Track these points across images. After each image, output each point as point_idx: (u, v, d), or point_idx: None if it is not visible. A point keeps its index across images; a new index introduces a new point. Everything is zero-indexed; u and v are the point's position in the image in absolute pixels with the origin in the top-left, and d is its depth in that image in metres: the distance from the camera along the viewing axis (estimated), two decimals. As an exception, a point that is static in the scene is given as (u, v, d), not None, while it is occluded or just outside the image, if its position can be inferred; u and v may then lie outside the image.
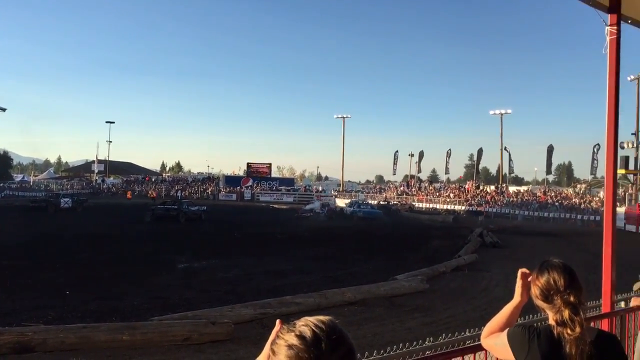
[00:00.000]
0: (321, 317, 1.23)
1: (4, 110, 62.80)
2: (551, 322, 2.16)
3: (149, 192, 68.79)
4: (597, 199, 51.15)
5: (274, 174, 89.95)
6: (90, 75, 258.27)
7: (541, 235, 32.65)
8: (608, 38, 3.55)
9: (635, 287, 2.89)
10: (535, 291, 2.20)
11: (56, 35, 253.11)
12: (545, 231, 35.66)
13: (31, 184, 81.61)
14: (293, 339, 1.18)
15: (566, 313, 2.08)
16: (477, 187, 66.32)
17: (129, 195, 67.28)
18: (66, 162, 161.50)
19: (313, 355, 1.15)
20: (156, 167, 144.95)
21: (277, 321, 1.29)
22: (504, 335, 2.25)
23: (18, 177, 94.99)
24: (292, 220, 39.84)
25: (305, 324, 1.21)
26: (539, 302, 2.19)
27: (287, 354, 1.18)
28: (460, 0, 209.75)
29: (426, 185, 73.98)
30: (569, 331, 2.06)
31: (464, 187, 67.82)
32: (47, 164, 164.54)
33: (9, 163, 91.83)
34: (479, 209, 54.46)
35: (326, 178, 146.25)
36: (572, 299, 2.10)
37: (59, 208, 41.51)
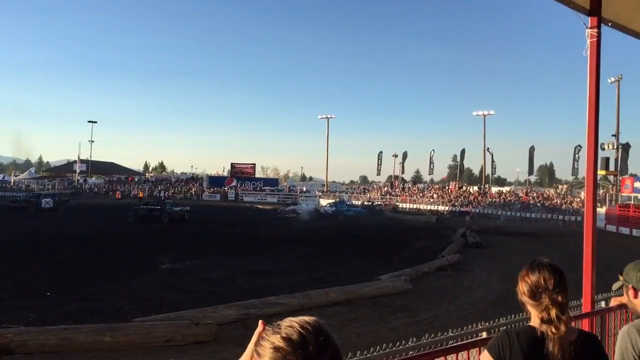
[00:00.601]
0: (306, 318, 1.20)
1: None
2: (534, 320, 2.18)
3: (137, 192, 68.26)
4: (578, 199, 51.77)
5: (258, 174, 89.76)
6: (72, 73, 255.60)
7: (523, 235, 32.93)
8: (588, 40, 3.59)
9: (615, 286, 2.93)
10: (523, 288, 2.21)
11: (38, 32, 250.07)
12: (527, 231, 35.97)
13: (11, 184, 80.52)
14: (279, 341, 1.15)
15: (553, 312, 2.10)
16: (460, 188, 66.76)
17: (117, 195, 66.63)
18: (47, 162, 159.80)
19: (300, 358, 1.12)
20: (139, 167, 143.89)
21: (260, 322, 1.25)
22: (485, 353, 2.26)
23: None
24: (275, 221, 39.79)
25: (291, 325, 1.17)
26: (525, 299, 2.20)
27: (273, 356, 1.14)
28: (443, 0, 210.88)
29: (410, 185, 74.29)
30: (553, 329, 2.08)
31: (448, 188, 68.24)
32: (27, 163, 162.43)
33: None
34: (465, 209, 54.78)
35: (310, 178, 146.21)
36: (560, 298, 2.13)
37: (40, 208, 41.07)
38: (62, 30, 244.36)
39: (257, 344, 1.20)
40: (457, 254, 21.57)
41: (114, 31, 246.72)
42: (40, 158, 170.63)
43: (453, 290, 14.83)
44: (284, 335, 1.16)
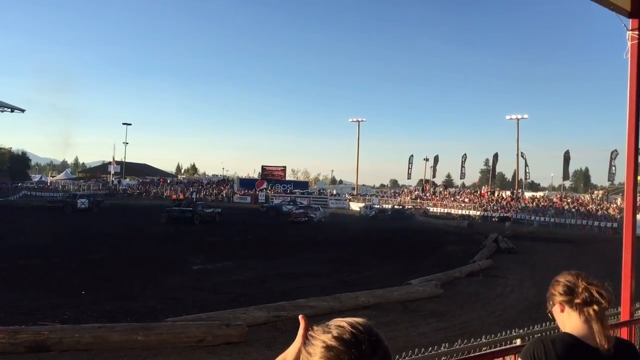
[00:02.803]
0: (356, 319, 1.20)
1: (22, 111, 63.66)
2: (570, 327, 2.11)
3: (178, 194, 68.92)
4: (615, 206, 50.61)
5: (289, 177, 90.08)
6: (108, 76, 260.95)
7: (557, 241, 32.34)
8: (629, 43, 3.51)
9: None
10: (557, 289, 2.14)
11: (75, 36, 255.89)
12: (561, 238, 35.32)
13: (49, 184, 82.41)
14: (331, 340, 1.14)
15: (594, 289, 2.05)
16: (493, 193, 65.89)
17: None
18: (83, 163, 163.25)
19: (353, 357, 1.12)
20: (172, 169, 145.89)
21: (301, 317, 1.25)
22: None
23: (36, 178, 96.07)
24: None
25: (341, 325, 1.17)
26: (559, 300, 2.13)
27: (326, 355, 1.14)
28: (478, 4, 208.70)
29: (441, 190, 73.62)
30: (595, 307, 2.03)
31: (479, 193, 67.41)
32: (64, 164, 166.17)
33: (27, 163, 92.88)
34: (507, 214, 53.84)
35: (340, 182, 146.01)
36: (595, 283, 2.09)
37: (76, 208, 41.90)
38: (99, 35, 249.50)
39: (306, 343, 1.20)
40: (489, 260, 21.28)
41: (147, 34, 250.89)
42: (76, 159, 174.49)
43: (485, 296, 14.63)
44: (335, 334, 1.16)
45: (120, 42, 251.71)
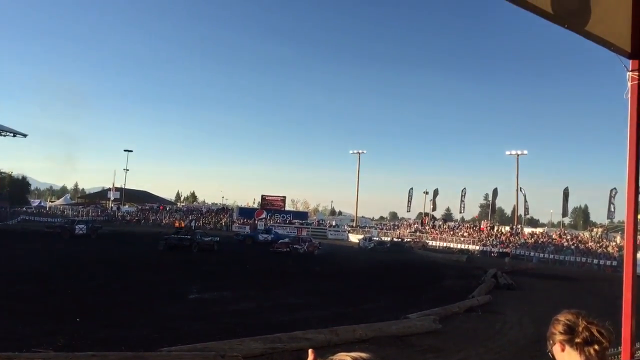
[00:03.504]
0: (360, 354, 1.19)
1: (24, 136, 63.96)
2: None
3: (176, 222, 68.78)
4: (614, 243, 50.46)
5: (288, 207, 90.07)
6: (110, 103, 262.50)
7: (557, 278, 32.16)
8: (629, 83, 3.56)
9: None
10: (557, 328, 2.13)
11: (76, 63, 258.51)
12: (560, 274, 35.15)
13: (47, 209, 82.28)
14: None
15: (594, 329, 2.05)
16: (492, 228, 65.77)
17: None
18: (83, 189, 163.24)
19: None
20: (171, 197, 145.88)
21: (310, 351, 1.25)
22: None
23: (35, 202, 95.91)
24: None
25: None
26: (559, 339, 2.12)
27: None
28: (477, 39, 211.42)
29: (440, 223, 73.54)
30: (596, 347, 2.02)
31: (479, 227, 67.30)
32: (64, 190, 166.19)
33: (26, 188, 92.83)
34: (506, 250, 53.75)
35: (340, 213, 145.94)
36: (596, 322, 2.08)
37: (73, 234, 41.72)
38: (99, 62, 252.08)
39: None
40: (487, 295, 21.14)
41: (149, 65, 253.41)
42: (76, 185, 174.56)
43: (484, 332, 14.49)
44: None
45: (123, 71, 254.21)
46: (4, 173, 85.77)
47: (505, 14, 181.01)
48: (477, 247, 57.15)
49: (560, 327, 2.13)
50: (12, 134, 62.83)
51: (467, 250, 54.75)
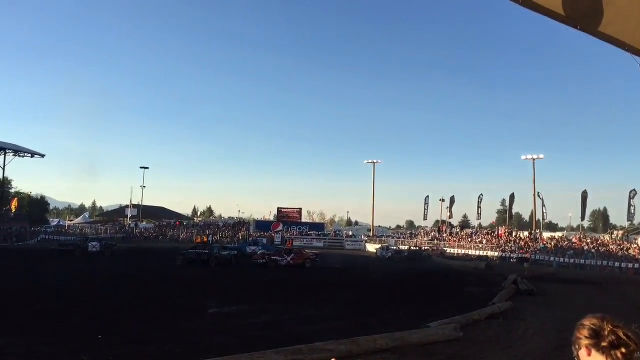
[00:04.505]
0: None
1: (42, 156, 64.85)
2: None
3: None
4: (635, 246, 49.76)
5: (304, 218, 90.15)
6: (126, 121, 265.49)
7: (578, 283, 31.76)
8: (645, 83, 3.53)
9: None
10: (582, 333, 2.12)
11: (91, 84, 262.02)
12: (582, 279, 34.68)
13: (66, 228, 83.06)
14: None
15: (621, 332, 2.03)
16: (510, 234, 65.21)
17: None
18: (100, 207, 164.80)
19: None
20: (188, 212, 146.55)
21: None
22: None
23: (54, 222, 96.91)
24: (319, 266, 39.50)
25: None
26: (585, 343, 2.11)
27: None
28: (489, 44, 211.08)
29: (458, 230, 73.10)
30: (623, 349, 2.00)
31: (497, 233, 66.76)
32: (82, 208, 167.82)
33: (46, 208, 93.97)
34: (526, 255, 53.25)
35: (356, 223, 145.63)
36: (622, 326, 2.06)
37: (87, 252, 41.85)
38: (114, 82, 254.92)
39: None
40: (508, 302, 20.89)
41: (164, 82, 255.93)
42: (94, 203, 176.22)
43: (506, 339, 14.32)
44: None
45: (138, 88, 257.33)
46: (23, 194, 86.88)
47: (517, 18, 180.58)
48: (496, 254, 56.67)
49: (585, 332, 2.11)
50: (30, 155, 63.76)
51: (486, 257, 54.27)
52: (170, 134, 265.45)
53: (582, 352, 2.12)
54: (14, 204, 67.28)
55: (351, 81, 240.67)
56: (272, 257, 37.63)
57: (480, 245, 61.35)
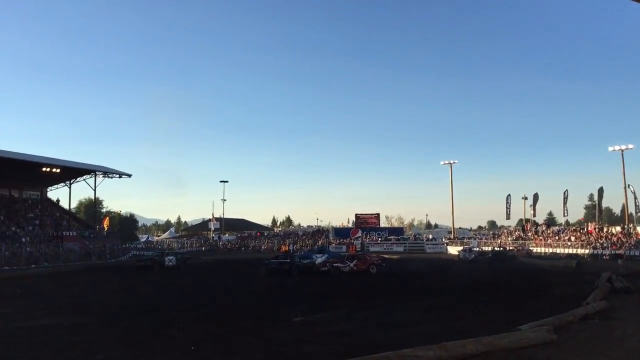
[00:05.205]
0: None
1: (129, 176, 68.09)
2: None
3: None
4: None
5: (383, 223, 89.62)
6: (203, 136, 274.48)
7: (680, 278, 29.74)
8: None
9: None
10: None
11: (169, 102, 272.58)
12: (684, 274, 32.45)
13: (155, 243, 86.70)
14: None
15: None
16: (601, 229, 62.09)
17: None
18: (185, 222, 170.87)
19: None
20: (267, 222, 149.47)
21: None
22: None
23: (143, 238, 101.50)
24: (398, 270, 39.12)
25: None
26: None
27: None
28: (569, 35, 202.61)
29: (543, 229, 70.38)
30: None
31: (586, 230, 63.72)
32: (168, 224, 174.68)
33: (135, 225, 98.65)
34: (618, 251, 50.66)
35: (436, 225, 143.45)
36: None
37: (163, 266, 43.18)
38: (190, 97, 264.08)
39: None
40: (603, 301, 19.87)
41: (239, 94, 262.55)
42: (178, 218, 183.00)
43: (603, 340, 13.64)
44: None
45: (215, 104, 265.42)
46: (113, 212, 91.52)
47: (601, 8, 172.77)
48: (587, 251, 54.10)
49: None
50: (118, 175, 67.12)
51: (576, 255, 51.88)
52: (246, 146, 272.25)
53: None
54: (105, 223, 71.04)
55: (426, 82, 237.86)
56: (334, 265, 37.31)
57: (569, 243, 58.78)
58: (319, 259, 39.99)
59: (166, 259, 45.26)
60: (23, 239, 52.88)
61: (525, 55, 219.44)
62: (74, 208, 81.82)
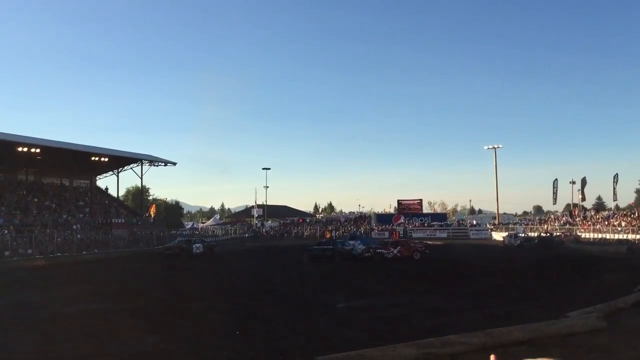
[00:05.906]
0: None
1: (174, 164, 69.28)
2: None
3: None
4: None
5: (425, 209, 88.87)
6: (248, 125, 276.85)
7: None
8: None
9: None
10: None
11: (212, 91, 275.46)
12: None
13: (200, 230, 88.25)
14: None
15: None
16: (653, 213, 60.03)
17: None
18: (229, 209, 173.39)
19: None
20: (309, 209, 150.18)
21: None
22: None
23: (188, 225, 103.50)
24: (443, 258, 38.71)
25: None
26: None
27: None
28: (620, 17, 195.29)
29: (592, 214, 68.50)
30: None
31: (637, 214, 61.69)
32: (212, 211, 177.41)
33: (180, 212, 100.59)
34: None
35: (480, 211, 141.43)
36: None
37: (191, 254, 43.27)
38: (236, 88, 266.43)
39: None
40: (656, 287, 19.25)
41: (279, 83, 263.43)
42: (222, 205, 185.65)
43: (656, 328, 13.22)
44: None
45: (256, 93, 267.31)
46: (159, 200, 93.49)
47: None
48: (638, 236, 52.38)
49: None
50: (163, 164, 68.44)
51: (627, 240, 50.25)
52: (288, 134, 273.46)
53: None
54: (152, 210, 72.65)
55: (468, 67, 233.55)
56: (378, 251, 36.93)
57: (619, 228, 57.07)
58: (359, 245, 39.77)
59: (193, 246, 45.29)
60: (74, 227, 54.60)
61: (575, 34, 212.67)
62: (121, 196, 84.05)
